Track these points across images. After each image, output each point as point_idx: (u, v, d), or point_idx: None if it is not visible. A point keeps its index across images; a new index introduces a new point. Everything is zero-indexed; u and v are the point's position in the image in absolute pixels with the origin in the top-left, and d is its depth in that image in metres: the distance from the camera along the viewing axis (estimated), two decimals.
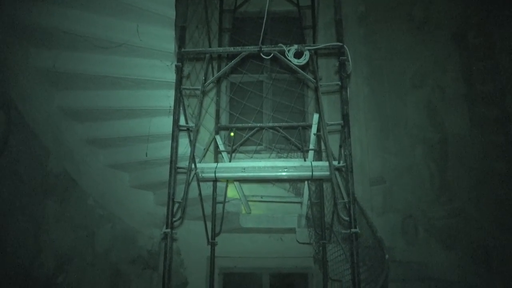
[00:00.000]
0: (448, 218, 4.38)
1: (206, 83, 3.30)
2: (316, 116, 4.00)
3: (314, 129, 4.09)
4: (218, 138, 4.42)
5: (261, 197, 4.79)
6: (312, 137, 4.17)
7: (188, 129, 3.35)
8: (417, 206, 4.82)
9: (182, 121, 3.43)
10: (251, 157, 5.08)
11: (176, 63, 3.21)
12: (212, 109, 5.08)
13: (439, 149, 4.58)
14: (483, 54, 4.12)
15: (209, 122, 4.98)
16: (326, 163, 3.28)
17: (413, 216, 4.89)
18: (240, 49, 3.17)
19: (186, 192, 3.02)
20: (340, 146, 3.23)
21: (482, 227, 3.88)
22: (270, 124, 4.87)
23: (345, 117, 2.96)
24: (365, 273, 3.31)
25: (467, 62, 4.30)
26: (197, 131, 3.18)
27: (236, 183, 4.51)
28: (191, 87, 3.54)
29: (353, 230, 2.67)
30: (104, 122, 4.28)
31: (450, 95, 4.53)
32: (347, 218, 2.74)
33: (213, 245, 4.45)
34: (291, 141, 4.64)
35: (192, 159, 3.18)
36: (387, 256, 2.84)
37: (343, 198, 3.07)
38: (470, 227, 4.05)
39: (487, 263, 3.85)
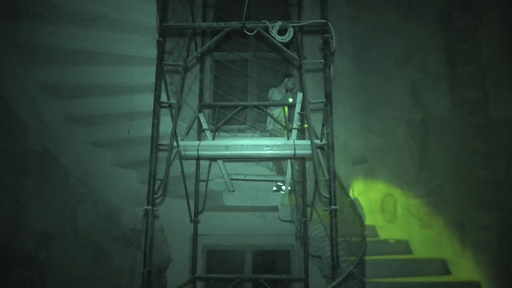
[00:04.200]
0: (426, 196, 4.49)
1: (189, 59, 3.25)
2: (300, 95, 3.99)
3: (298, 108, 4.09)
4: (201, 116, 4.38)
5: (244, 176, 4.80)
6: (296, 116, 4.17)
7: (170, 106, 3.31)
8: (397, 184, 4.92)
9: (164, 98, 3.38)
10: (235, 136, 5.07)
11: (157, 38, 3.13)
12: (196, 87, 5.01)
13: (421, 129, 4.64)
14: (466, 35, 4.13)
15: (192, 100, 4.91)
16: (309, 142, 3.29)
17: (393, 194, 5.00)
18: (223, 25, 3.12)
19: (167, 170, 3.01)
20: (323, 125, 3.24)
21: (459, 205, 3.99)
22: (254, 103, 4.84)
23: (328, 95, 2.96)
24: (345, 249, 3.38)
25: (450, 43, 4.32)
26: (179, 108, 3.14)
27: (220, 162, 4.51)
28: (173, 63, 3.47)
29: (332, 207, 2.71)
30: (84, 98, 4.19)
31: (433, 75, 4.56)
32: (327, 195, 2.78)
33: (195, 223, 4.48)
34: (275, 120, 4.63)
35: (174, 136, 3.15)
36: (365, 232, 2.92)
37: (324, 176, 3.11)
38: (447, 205, 4.16)
39: (462, 239, 3.99)
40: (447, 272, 4.10)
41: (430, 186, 4.46)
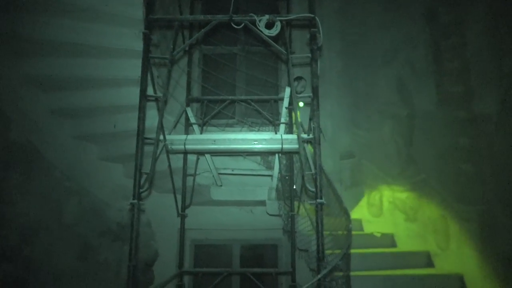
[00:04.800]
0: (411, 190, 4.55)
1: (175, 52, 3.22)
2: (288, 90, 3.99)
3: (285, 102, 4.10)
4: (189, 110, 4.36)
5: (232, 170, 4.80)
6: (284, 111, 4.18)
7: (156, 99, 3.29)
8: (383, 179, 4.98)
9: (151, 92, 3.35)
10: (223, 130, 5.06)
11: (144, 30, 3.10)
12: (183, 81, 4.98)
13: (407, 124, 4.70)
14: (452, 31, 4.17)
15: (180, 94, 4.89)
16: (296, 136, 3.30)
17: (379, 188, 5.06)
18: (210, 18, 3.10)
19: (153, 163, 2.99)
20: (310, 119, 3.25)
21: (443, 199, 4.06)
22: (242, 97, 4.84)
23: (314, 89, 2.97)
24: (331, 243, 3.42)
25: (437, 39, 4.36)
26: (165, 101, 3.12)
27: (207, 156, 4.50)
28: (160, 56, 3.43)
29: (318, 200, 2.73)
30: (69, 91, 4.12)
31: (419, 71, 4.60)
32: (313, 189, 2.80)
33: (183, 217, 4.47)
34: (263, 114, 4.64)
35: (160, 129, 3.13)
36: (350, 225, 2.95)
37: (311, 170, 3.13)
38: (432, 199, 4.23)
39: (446, 233, 4.06)
40: (430, 264, 4.18)
41: (415, 180, 4.52)
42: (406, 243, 4.55)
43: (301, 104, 4.95)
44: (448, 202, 4.01)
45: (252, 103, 4.56)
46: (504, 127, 3.36)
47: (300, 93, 5.11)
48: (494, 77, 3.60)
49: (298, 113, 4.07)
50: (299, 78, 5.25)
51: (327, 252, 3.17)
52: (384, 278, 3.63)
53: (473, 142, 3.80)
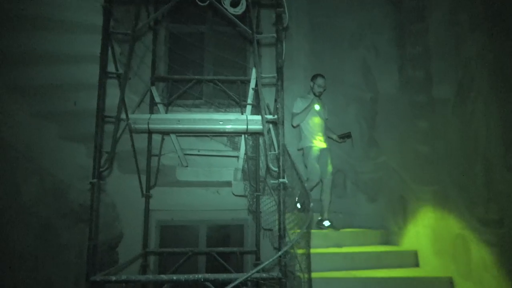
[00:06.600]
0: (373, 172, 4.71)
1: (138, 27, 3.12)
2: (254, 71, 3.97)
3: (252, 83, 4.09)
4: (153, 89, 4.27)
5: (198, 151, 4.78)
6: (251, 92, 4.18)
7: (118, 77, 3.19)
8: (347, 161, 5.11)
9: (113, 69, 3.24)
10: (189, 111, 5.00)
11: (103, 4, 2.97)
12: (149, 59, 4.85)
13: (370, 107, 4.82)
14: (416, 16, 4.27)
15: (145, 73, 4.77)
16: (261, 117, 3.31)
17: (343, 170, 5.19)
18: None
19: (114, 142, 2.93)
20: (275, 100, 3.26)
21: (402, 180, 4.23)
22: (209, 77, 4.78)
23: (279, 70, 2.97)
24: (294, 222, 3.50)
25: (400, 24, 4.46)
26: (127, 78, 3.03)
27: (173, 136, 4.45)
28: (121, 31, 3.31)
29: (281, 180, 2.78)
30: (26, 67, 3.91)
31: (383, 55, 4.71)
32: (276, 169, 2.83)
33: (147, 197, 4.43)
34: (230, 95, 4.62)
35: (122, 105, 3.05)
36: (312, 204, 3.02)
37: (275, 151, 3.16)
38: (391, 180, 4.40)
39: (404, 212, 4.24)
40: (388, 242, 4.38)
41: (377, 162, 4.68)
42: (367, 222, 4.73)
43: (317, 107, 4.77)
44: (406, 183, 4.19)
45: (219, 84, 4.52)
46: (458, 111, 3.51)
47: (319, 95, 4.87)
48: (452, 63, 3.72)
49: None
50: (314, 77, 4.88)
51: (291, 231, 3.25)
52: (343, 255, 3.77)
53: (430, 125, 3.95)
